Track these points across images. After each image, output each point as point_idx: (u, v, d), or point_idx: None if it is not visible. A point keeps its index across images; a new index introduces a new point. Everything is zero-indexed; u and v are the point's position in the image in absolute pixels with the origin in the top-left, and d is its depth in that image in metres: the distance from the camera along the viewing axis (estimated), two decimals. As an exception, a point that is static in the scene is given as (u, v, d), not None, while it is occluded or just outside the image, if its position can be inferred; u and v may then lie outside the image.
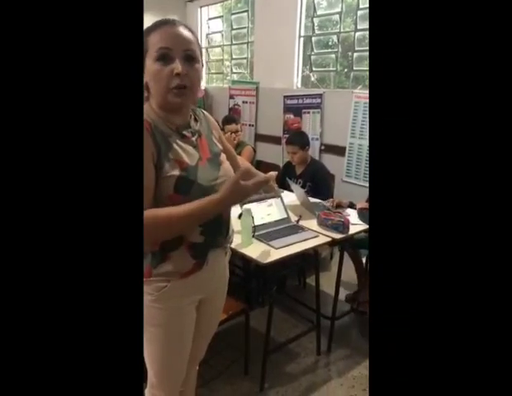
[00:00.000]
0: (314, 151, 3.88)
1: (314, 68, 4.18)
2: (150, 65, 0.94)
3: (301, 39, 4.12)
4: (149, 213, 0.88)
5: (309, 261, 2.31)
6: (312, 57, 4.13)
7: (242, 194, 0.95)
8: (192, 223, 0.98)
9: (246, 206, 1.83)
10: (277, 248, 1.76)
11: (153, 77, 0.95)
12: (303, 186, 2.72)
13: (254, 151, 3.18)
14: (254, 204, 2.00)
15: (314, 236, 1.90)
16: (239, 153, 3.07)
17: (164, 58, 0.94)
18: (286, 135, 3.91)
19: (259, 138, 4.74)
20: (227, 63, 5.26)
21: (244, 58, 4.98)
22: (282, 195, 2.54)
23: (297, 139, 2.70)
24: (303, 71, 4.25)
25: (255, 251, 1.73)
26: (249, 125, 4.81)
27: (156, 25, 0.95)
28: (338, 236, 1.91)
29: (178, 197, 0.96)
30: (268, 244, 1.79)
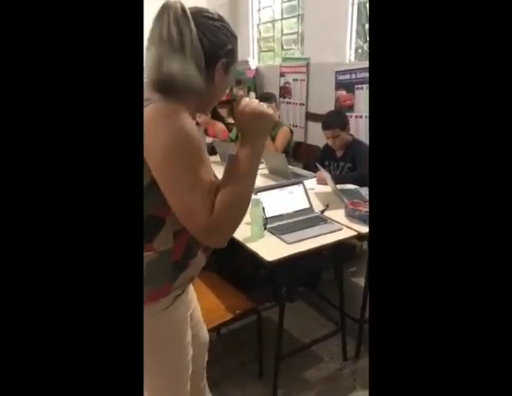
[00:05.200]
0: (367, 131, 3.54)
1: (368, 39, 3.79)
2: (230, 77, 0.92)
3: (355, 6, 3.75)
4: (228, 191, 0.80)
5: (343, 252, 2.08)
6: (367, 26, 3.75)
7: (262, 116, 0.83)
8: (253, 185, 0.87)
9: (255, 196, 1.64)
10: (289, 243, 1.56)
11: (229, 85, 0.95)
12: (342, 170, 2.46)
13: (291, 132, 2.95)
14: (274, 191, 1.81)
15: (336, 229, 1.67)
16: (275, 135, 2.87)
17: None
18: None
19: (310, 117, 4.46)
20: (278, 38, 5.00)
21: (295, 32, 4.69)
22: (311, 181, 2.32)
23: (335, 120, 2.41)
24: (357, 42, 3.88)
25: (264, 246, 1.55)
26: (300, 104, 4.55)
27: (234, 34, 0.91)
28: (365, 229, 1.66)
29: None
30: (280, 238, 1.60)
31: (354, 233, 1.65)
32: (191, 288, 1.11)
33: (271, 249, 1.53)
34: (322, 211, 1.86)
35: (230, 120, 4.15)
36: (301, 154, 3.14)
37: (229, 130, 3.55)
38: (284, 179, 2.39)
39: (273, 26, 4.99)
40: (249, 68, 5.05)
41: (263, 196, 1.75)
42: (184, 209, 0.77)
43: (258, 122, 0.82)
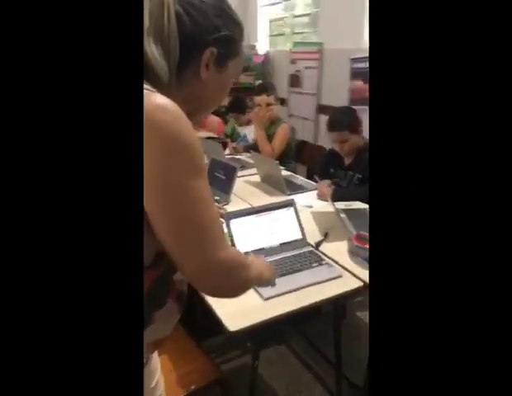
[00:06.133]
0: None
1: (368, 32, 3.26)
2: (229, 74, 0.74)
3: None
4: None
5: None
6: (389, 6, 3.22)
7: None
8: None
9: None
10: (265, 299, 1.12)
11: (228, 87, 0.76)
12: (350, 182, 1.99)
13: (292, 130, 2.48)
14: (254, 216, 1.36)
15: (334, 276, 1.21)
16: (273, 133, 2.42)
17: None
18: (354, 106, 3.10)
19: (322, 109, 3.96)
20: (291, 20, 4.50)
21: (309, 14, 4.17)
22: (310, 195, 1.86)
23: (343, 119, 1.92)
24: (377, 25, 3.36)
25: (230, 301, 1.11)
26: (312, 95, 4.06)
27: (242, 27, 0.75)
28: (374, 278, 1.20)
29: None
30: (255, 289, 1.15)
31: (359, 284, 1.19)
32: (154, 355, 0.86)
33: (239, 308, 1.08)
34: (318, 243, 1.41)
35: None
36: (305, 156, 2.67)
37: (226, 123, 3.09)
38: (277, 189, 1.95)
39: (285, 7, 4.48)
40: (256, 53, 4.57)
41: (237, 224, 1.30)
42: (200, 234, 0.62)
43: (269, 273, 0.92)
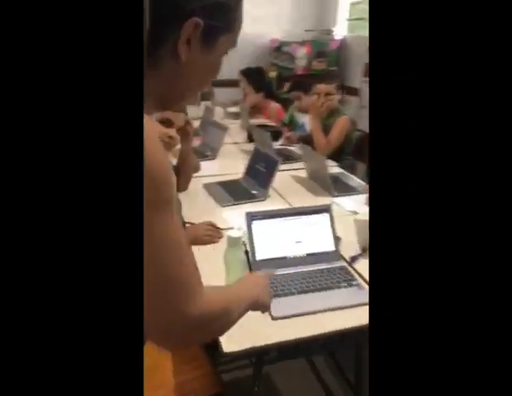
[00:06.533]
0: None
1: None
2: (220, 52, 0.58)
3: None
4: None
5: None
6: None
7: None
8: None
9: (233, 233, 1.03)
10: (275, 319, 0.97)
11: (217, 67, 0.61)
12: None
13: (353, 123, 2.25)
14: (279, 219, 1.20)
15: (363, 302, 1.03)
16: (331, 124, 2.21)
17: None
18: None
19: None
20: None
21: (393, -4, 3.82)
22: (357, 199, 1.65)
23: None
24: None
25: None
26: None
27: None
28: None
29: None
30: (265, 305, 1.01)
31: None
32: None
33: (241, 325, 0.95)
34: (353, 258, 1.22)
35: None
36: (366, 152, 2.42)
37: (286, 109, 2.91)
38: (323, 189, 1.77)
39: (368, -12, 4.16)
40: (333, 39, 4.30)
41: (260, 226, 1.16)
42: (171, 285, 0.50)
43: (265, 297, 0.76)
